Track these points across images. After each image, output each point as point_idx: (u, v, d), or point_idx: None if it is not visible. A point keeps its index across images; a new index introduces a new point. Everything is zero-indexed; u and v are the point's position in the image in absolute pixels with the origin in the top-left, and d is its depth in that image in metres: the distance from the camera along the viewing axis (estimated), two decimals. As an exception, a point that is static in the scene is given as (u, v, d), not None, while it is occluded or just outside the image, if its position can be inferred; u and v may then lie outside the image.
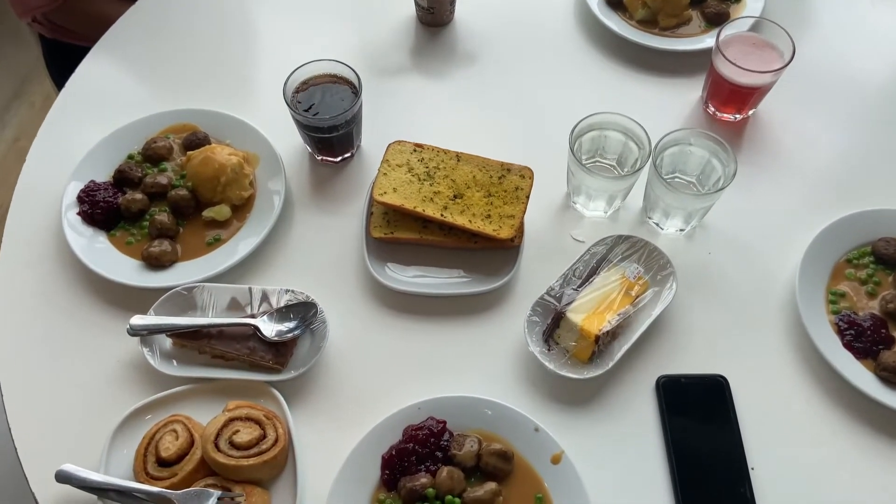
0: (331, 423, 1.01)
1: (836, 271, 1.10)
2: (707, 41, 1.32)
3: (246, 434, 0.94)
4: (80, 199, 1.15)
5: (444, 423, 0.97)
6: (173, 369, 1.02)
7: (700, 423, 1.00)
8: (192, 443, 0.95)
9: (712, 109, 1.27)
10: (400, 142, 1.18)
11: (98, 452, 0.96)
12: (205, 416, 0.98)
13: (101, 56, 1.38)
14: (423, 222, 1.13)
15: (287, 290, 1.07)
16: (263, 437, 0.95)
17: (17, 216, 1.18)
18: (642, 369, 1.05)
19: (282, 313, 1.05)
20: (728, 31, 1.19)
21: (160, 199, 1.17)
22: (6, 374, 1.05)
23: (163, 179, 1.17)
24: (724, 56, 1.16)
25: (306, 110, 1.15)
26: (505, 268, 1.11)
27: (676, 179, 1.16)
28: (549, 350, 1.04)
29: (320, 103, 1.16)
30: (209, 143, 1.21)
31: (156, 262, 1.11)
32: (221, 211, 1.15)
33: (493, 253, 1.12)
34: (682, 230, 1.16)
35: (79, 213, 1.15)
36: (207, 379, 1.02)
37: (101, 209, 1.14)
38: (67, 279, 1.12)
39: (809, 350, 1.05)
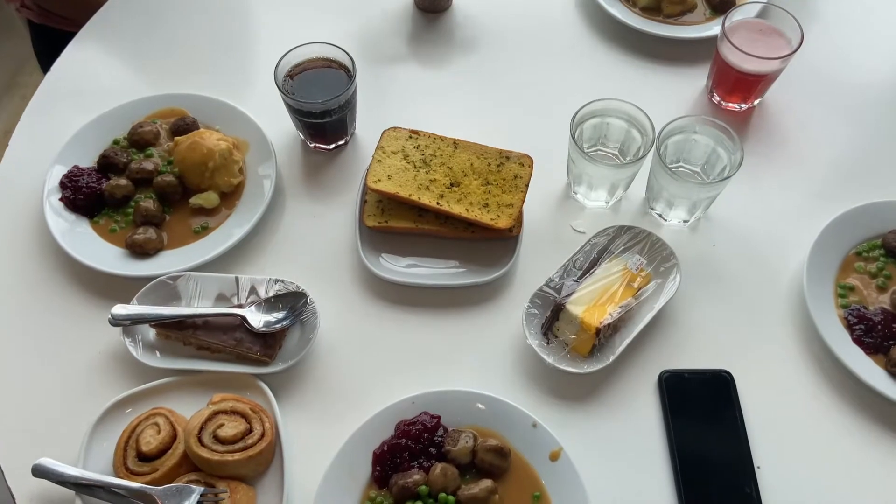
0: (320, 418, 0.98)
1: (845, 264, 1.07)
2: (712, 29, 1.29)
3: (231, 428, 0.91)
4: (63, 185, 1.12)
5: (439, 418, 0.94)
6: (156, 361, 0.99)
7: (704, 420, 0.97)
8: (174, 437, 0.92)
9: (717, 99, 1.24)
10: (395, 128, 1.14)
11: (77, 446, 0.93)
12: (188, 409, 0.95)
13: (88, 39, 1.34)
14: (419, 211, 1.09)
15: (276, 281, 1.03)
16: (249, 431, 0.92)
17: (-2, 201, 1.15)
18: (644, 364, 1.02)
19: (270, 303, 1.01)
20: (734, 16, 1.16)
21: (146, 185, 1.14)
22: (-18, 365, 1.02)
23: (149, 165, 1.14)
24: (730, 42, 1.12)
25: (298, 94, 1.11)
26: (503, 258, 1.07)
27: (681, 169, 1.13)
28: (547, 343, 1.00)
29: (313, 87, 1.12)
30: (198, 129, 1.17)
31: (140, 250, 1.08)
32: (209, 198, 1.12)
33: (491, 243, 1.09)
34: (685, 221, 1.12)
35: (61, 199, 1.11)
36: (192, 371, 0.99)
37: (83, 195, 1.10)
38: (48, 267, 1.09)
39: (817, 345, 1.02)
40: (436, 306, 1.06)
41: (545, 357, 0.98)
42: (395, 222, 1.08)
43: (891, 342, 1.00)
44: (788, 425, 0.97)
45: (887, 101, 1.26)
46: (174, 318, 0.99)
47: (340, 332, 1.04)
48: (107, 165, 1.14)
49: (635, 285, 1.03)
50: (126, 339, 0.99)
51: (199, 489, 0.87)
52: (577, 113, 1.07)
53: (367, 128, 1.22)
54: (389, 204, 1.10)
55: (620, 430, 0.97)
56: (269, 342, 0.99)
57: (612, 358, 0.98)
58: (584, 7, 1.37)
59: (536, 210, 1.13)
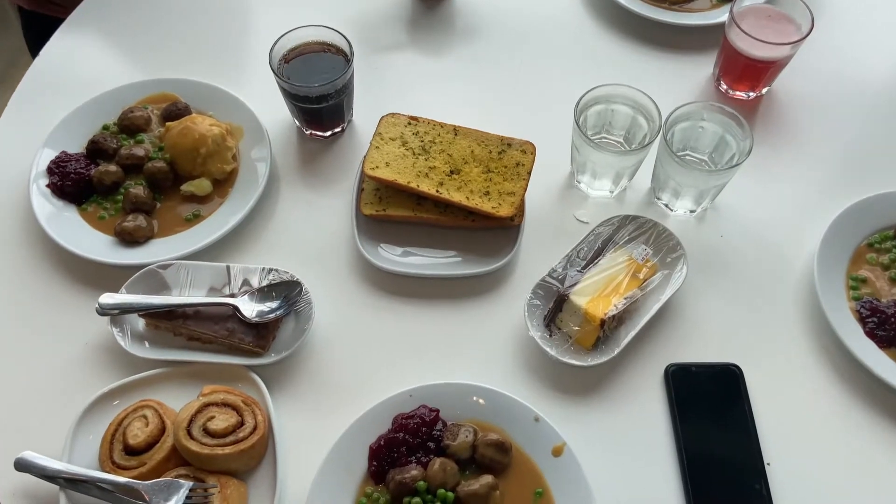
0: (315, 411, 0.95)
1: (856, 256, 1.04)
2: (718, 16, 1.26)
3: (222, 421, 0.88)
4: (50, 171, 1.08)
5: (437, 411, 0.92)
6: (145, 351, 0.96)
7: (712, 415, 0.94)
8: (163, 430, 0.89)
9: (725, 87, 1.21)
10: (394, 114, 1.11)
11: (62, 439, 0.90)
12: (178, 401, 0.92)
13: (79, 24, 1.31)
14: (418, 199, 1.06)
15: (270, 270, 1.00)
16: (241, 424, 0.89)
17: (-18, 188, 1.12)
18: (650, 357, 0.99)
19: (264, 293, 0.98)
20: (743, 1, 1.13)
21: (136, 171, 1.10)
22: (-35, 355, 0.99)
23: (139, 151, 1.10)
24: (738, 27, 1.09)
25: (294, 79, 1.08)
26: (504, 248, 1.04)
27: (688, 157, 1.10)
28: (550, 335, 0.98)
29: (309, 71, 1.09)
30: (190, 114, 1.14)
31: (129, 238, 1.04)
32: (201, 185, 1.09)
33: (492, 232, 1.06)
34: (692, 212, 1.09)
35: (48, 185, 1.08)
36: (182, 362, 0.96)
37: (71, 181, 1.07)
38: (34, 255, 1.06)
39: (829, 338, 0.99)
40: (435, 297, 1.03)
41: (548, 349, 0.95)
42: (394, 210, 1.05)
43: (904, 336, 0.97)
44: (799, 421, 0.95)
45: (899, 90, 1.23)
46: (164, 308, 0.96)
47: (336, 322, 1.01)
48: (96, 151, 1.11)
49: (641, 276, 1.00)
50: (114, 329, 0.96)
51: (188, 484, 0.85)
52: (581, 99, 1.04)
53: (365, 116, 1.19)
54: (387, 192, 1.07)
55: (626, 426, 0.94)
56: (262, 333, 0.96)
57: (616, 350, 0.95)
58: (587, -7, 1.35)
59: (538, 199, 1.10)
